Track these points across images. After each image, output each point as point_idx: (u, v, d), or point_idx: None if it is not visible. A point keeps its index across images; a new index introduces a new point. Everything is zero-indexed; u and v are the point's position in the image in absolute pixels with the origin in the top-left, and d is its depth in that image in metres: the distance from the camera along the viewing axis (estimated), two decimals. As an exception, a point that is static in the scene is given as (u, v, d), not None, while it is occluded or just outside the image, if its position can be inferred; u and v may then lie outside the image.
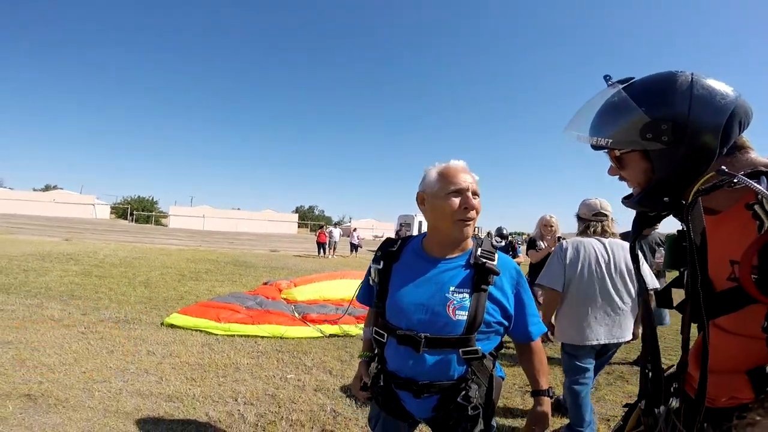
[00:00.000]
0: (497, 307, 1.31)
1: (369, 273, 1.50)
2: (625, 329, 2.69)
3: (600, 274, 2.66)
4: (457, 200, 1.28)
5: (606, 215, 2.86)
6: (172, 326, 4.95)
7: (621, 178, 1.00)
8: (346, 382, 3.65)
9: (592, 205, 2.89)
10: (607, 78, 0.96)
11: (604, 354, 2.82)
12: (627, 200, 0.99)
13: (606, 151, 0.99)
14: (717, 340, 0.86)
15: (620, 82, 0.93)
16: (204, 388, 3.36)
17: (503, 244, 7.42)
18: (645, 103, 0.86)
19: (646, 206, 0.95)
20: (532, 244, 4.82)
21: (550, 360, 4.27)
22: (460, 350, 1.26)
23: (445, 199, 1.30)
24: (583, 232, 2.89)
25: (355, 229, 23.72)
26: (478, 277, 1.29)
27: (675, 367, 0.94)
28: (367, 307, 1.59)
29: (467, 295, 1.27)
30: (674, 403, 0.89)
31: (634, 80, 0.93)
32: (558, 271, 2.72)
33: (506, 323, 1.35)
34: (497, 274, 1.31)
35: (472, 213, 1.30)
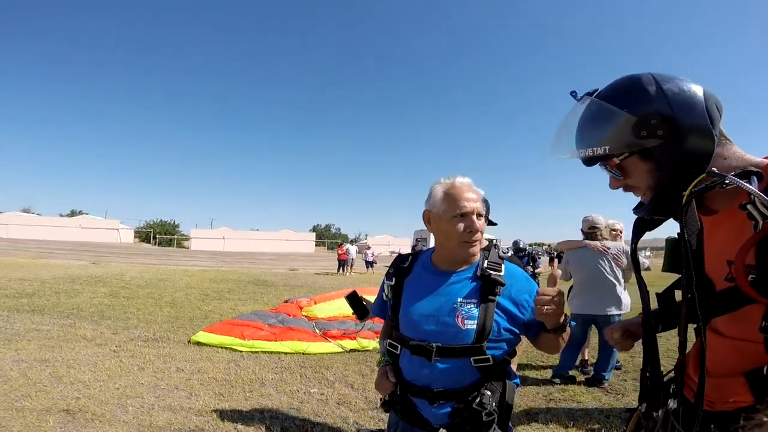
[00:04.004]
0: (506, 316, 1.34)
1: (382, 289, 1.57)
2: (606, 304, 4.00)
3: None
4: (462, 224, 1.33)
5: (597, 227, 4.12)
6: (198, 344, 5.10)
7: (626, 189, 0.97)
8: (368, 395, 3.70)
9: (588, 221, 4.17)
10: (573, 94, 0.96)
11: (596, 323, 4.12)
12: (640, 209, 0.96)
13: (601, 164, 0.96)
14: (713, 343, 0.85)
15: (588, 94, 0.94)
16: (231, 403, 3.46)
17: (509, 254, 7.45)
18: (626, 105, 0.86)
19: (666, 204, 0.90)
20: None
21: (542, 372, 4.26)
22: (472, 358, 1.31)
23: (450, 223, 1.35)
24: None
25: (369, 247, 24.18)
26: (485, 288, 1.33)
27: (673, 369, 0.95)
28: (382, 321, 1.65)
29: (475, 306, 1.32)
30: (672, 404, 0.89)
31: (599, 90, 0.93)
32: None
33: (517, 330, 1.38)
34: (503, 284, 1.34)
35: (477, 235, 1.35)
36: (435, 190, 1.41)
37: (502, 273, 1.37)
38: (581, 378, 4.22)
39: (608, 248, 4.02)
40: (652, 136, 0.84)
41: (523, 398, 3.68)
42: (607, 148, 0.88)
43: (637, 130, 0.84)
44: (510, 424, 1.40)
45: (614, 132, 0.87)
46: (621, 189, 0.99)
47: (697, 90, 0.85)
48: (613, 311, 3.93)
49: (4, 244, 24.61)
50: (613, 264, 3.96)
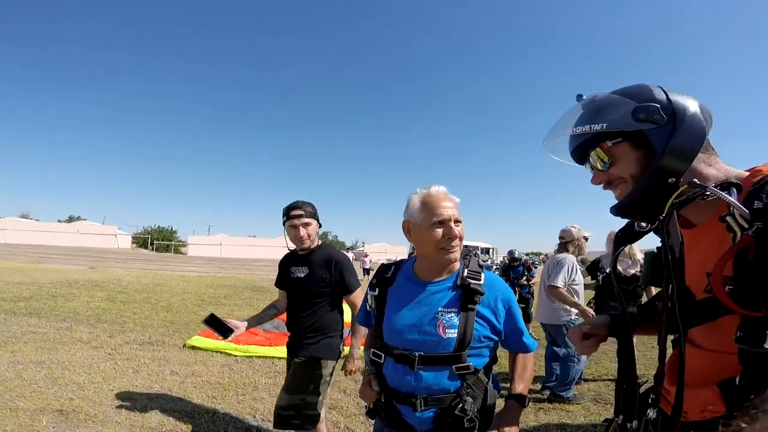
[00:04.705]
0: (485, 324, 1.38)
1: (366, 299, 1.60)
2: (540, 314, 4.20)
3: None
4: (440, 231, 1.36)
5: (563, 238, 4.18)
6: (193, 348, 5.13)
7: (607, 185, 1.00)
8: (359, 401, 3.72)
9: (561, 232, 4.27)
10: (579, 97, 1.00)
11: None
12: (616, 206, 0.97)
13: (590, 156, 0.99)
14: (687, 355, 0.85)
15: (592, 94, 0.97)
16: (224, 405, 3.49)
17: (488, 262, 7.49)
18: (631, 98, 0.91)
19: (649, 193, 0.91)
20: (595, 267, 4.53)
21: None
22: (453, 366, 1.35)
23: (429, 230, 1.37)
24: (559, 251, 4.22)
25: (366, 255, 24.50)
26: (465, 297, 1.37)
27: (651, 379, 0.96)
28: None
29: (455, 315, 1.35)
30: (651, 414, 0.89)
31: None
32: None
33: (496, 338, 1.43)
34: (482, 293, 1.38)
35: (456, 241, 1.38)
36: (412, 201, 1.44)
37: (481, 282, 1.41)
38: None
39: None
40: (649, 120, 0.87)
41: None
42: (604, 125, 0.91)
43: (636, 113, 0.88)
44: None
45: (614, 114, 0.91)
46: (602, 186, 1.01)
47: (694, 100, 0.91)
48: (555, 321, 4.00)
49: (2, 249, 24.57)
50: (549, 275, 3.98)
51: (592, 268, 4.60)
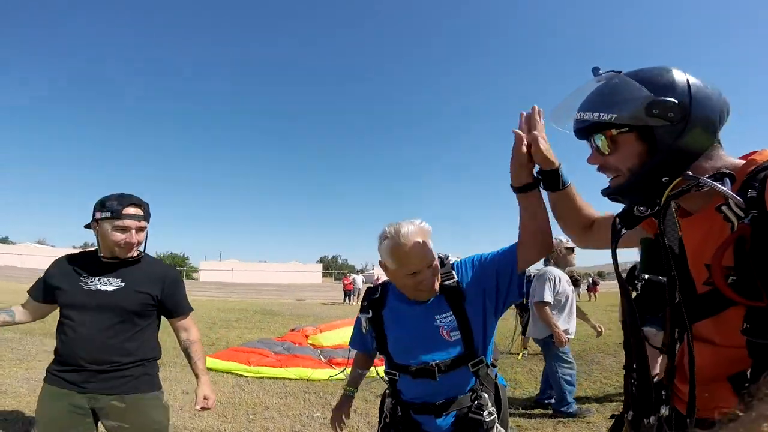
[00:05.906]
0: (478, 308, 1.43)
1: (359, 322, 1.63)
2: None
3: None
4: (413, 281, 1.39)
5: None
6: (204, 368, 5.12)
7: (600, 169, 0.96)
8: (370, 420, 3.68)
9: None
10: (596, 70, 0.94)
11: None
12: (607, 190, 0.95)
13: (593, 137, 0.94)
14: (695, 350, 0.82)
15: (613, 72, 0.92)
16: (235, 424, 3.48)
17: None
18: (649, 86, 0.85)
19: (640, 188, 0.89)
20: (632, 275, 4.37)
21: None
22: (470, 364, 1.41)
23: (404, 279, 1.41)
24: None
25: (377, 279, 24.50)
26: (450, 299, 1.43)
27: (663, 374, 0.92)
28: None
29: (451, 316, 1.42)
30: (664, 411, 0.86)
31: (625, 72, 0.92)
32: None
33: (494, 316, 1.46)
34: (462, 288, 1.44)
35: (429, 283, 1.40)
36: (382, 247, 1.44)
37: (455, 279, 1.47)
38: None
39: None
40: (662, 117, 0.82)
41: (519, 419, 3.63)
42: (614, 116, 0.85)
43: (650, 108, 0.83)
44: (509, 428, 1.47)
45: (626, 104, 0.85)
46: (596, 168, 0.97)
47: (718, 95, 0.86)
48: (540, 335, 3.91)
49: (18, 273, 24.99)
50: (535, 289, 3.86)
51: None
